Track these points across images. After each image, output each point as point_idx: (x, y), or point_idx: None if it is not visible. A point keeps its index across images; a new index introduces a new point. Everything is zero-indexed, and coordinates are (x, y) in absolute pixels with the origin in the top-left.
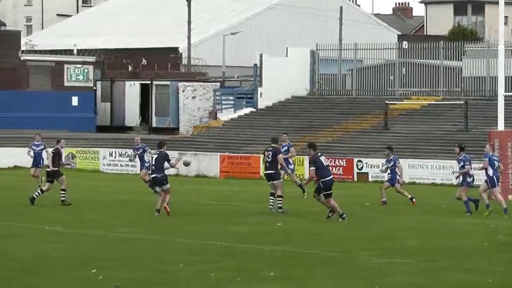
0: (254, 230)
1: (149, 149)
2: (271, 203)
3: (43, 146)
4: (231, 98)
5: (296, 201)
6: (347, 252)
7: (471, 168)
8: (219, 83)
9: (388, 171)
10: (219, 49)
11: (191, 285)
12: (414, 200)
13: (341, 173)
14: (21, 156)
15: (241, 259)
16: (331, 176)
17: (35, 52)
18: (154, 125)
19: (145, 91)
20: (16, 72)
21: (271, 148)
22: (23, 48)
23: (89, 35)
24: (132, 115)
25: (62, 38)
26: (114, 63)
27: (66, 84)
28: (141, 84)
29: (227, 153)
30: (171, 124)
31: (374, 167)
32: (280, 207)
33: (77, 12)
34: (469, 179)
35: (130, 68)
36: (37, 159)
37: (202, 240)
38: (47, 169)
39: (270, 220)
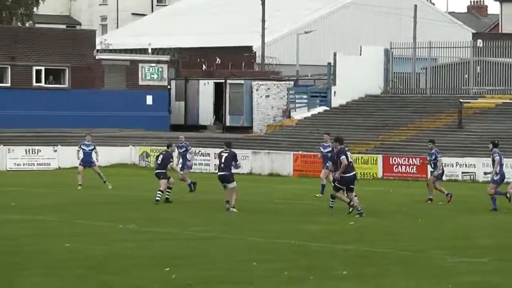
0: (326, 229)
1: (191, 148)
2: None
3: (93, 147)
4: (304, 96)
5: (368, 200)
6: (420, 251)
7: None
8: (292, 82)
9: (432, 164)
10: (293, 48)
11: (264, 284)
12: (449, 195)
13: (414, 172)
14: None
15: (313, 258)
16: (353, 173)
17: (110, 51)
18: (227, 124)
19: (219, 90)
20: (91, 71)
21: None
22: (98, 47)
23: (163, 34)
24: (206, 114)
25: (136, 37)
26: (188, 62)
27: (140, 83)
28: (215, 83)
29: (300, 152)
30: (244, 123)
31: (448, 166)
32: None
33: (152, 11)
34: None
35: (204, 67)
36: (86, 159)
37: (275, 239)
38: (157, 171)
39: (343, 219)
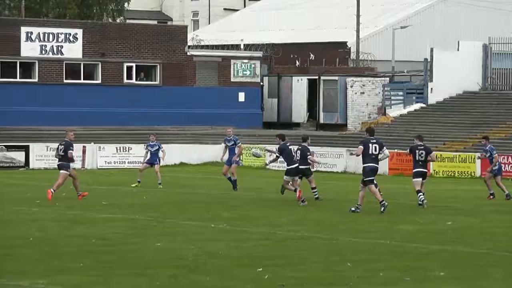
0: (423, 229)
1: (240, 143)
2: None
3: (157, 147)
4: (400, 93)
5: (466, 199)
6: None
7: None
8: (388, 78)
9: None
10: (388, 43)
11: (359, 285)
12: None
13: None
14: (187, 153)
15: (410, 259)
16: (371, 164)
17: (202, 47)
18: (321, 121)
19: (312, 87)
20: (182, 68)
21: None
22: (189, 43)
23: (256, 29)
24: (299, 111)
25: (228, 33)
26: (281, 58)
27: (232, 79)
28: (308, 79)
29: (396, 150)
30: (339, 120)
31: None
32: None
33: (244, 6)
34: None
35: (297, 63)
36: (152, 158)
37: (370, 239)
38: (300, 167)
39: (440, 218)
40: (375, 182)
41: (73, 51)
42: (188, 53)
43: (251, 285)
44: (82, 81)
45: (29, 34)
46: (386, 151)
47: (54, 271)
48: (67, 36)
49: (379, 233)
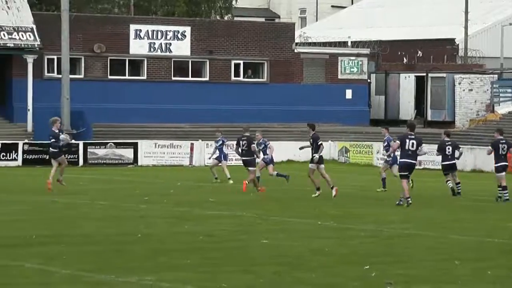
0: None
1: (269, 143)
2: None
3: (221, 142)
4: (509, 90)
5: None
6: None
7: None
8: (496, 75)
9: None
10: (496, 40)
11: (467, 283)
12: None
13: None
14: (294, 150)
15: None
16: (409, 160)
17: (309, 44)
18: (429, 118)
19: (420, 84)
20: (290, 65)
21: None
22: (297, 40)
23: (363, 26)
24: (406, 109)
25: (336, 30)
26: (388, 55)
27: (340, 76)
28: (416, 76)
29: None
30: (446, 118)
31: None
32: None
33: (352, 3)
34: None
35: (405, 60)
36: (218, 155)
37: (478, 237)
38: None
39: None
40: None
41: (181, 48)
42: (295, 51)
43: (358, 282)
44: (190, 78)
45: (138, 32)
46: (424, 149)
47: (162, 268)
48: (176, 33)
49: (487, 231)
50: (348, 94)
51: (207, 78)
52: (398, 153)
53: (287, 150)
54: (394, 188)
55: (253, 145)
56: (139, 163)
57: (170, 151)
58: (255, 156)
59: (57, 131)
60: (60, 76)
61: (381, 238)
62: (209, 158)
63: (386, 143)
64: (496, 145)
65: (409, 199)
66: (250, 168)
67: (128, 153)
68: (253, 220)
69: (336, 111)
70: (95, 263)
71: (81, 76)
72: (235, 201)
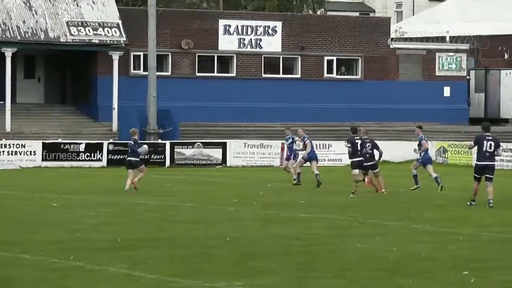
0: None
1: (306, 140)
2: None
3: (291, 140)
4: None
5: None
6: None
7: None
8: None
9: None
10: None
11: None
12: None
13: None
14: (389, 150)
15: None
16: (485, 162)
17: (405, 40)
18: None
19: None
20: (385, 62)
21: None
22: (392, 35)
23: (462, 21)
24: (507, 107)
25: (433, 25)
26: (488, 50)
27: (437, 73)
28: None
29: None
30: None
31: None
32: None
33: None
34: None
35: (506, 55)
36: (289, 154)
37: None
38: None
39: None
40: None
41: (272, 44)
42: (391, 46)
43: None
44: (280, 75)
45: (227, 27)
46: (500, 150)
47: (251, 273)
48: (266, 29)
49: None
50: (446, 91)
51: (298, 75)
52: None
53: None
54: (479, 189)
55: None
56: (228, 164)
57: (260, 151)
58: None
59: (132, 142)
60: (146, 73)
61: (480, 242)
62: (287, 159)
63: (418, 142)
64: None
65: (473, 202)
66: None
67: (216, 153)
68: (348, 224)
69: (433, 110)
70: (182, 268)
71: (168, 73)
72: (328, 203)
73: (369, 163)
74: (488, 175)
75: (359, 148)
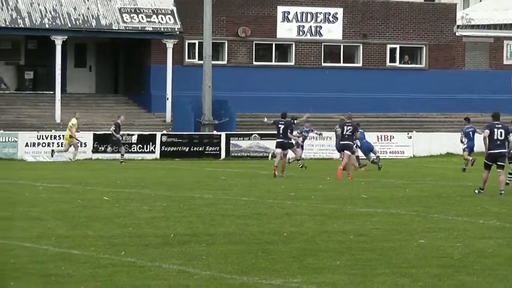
0: None
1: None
2: None
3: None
4: None
5: None
6: None
7: None
8: None
9: None
10: None
11: None
12: None
13: None
14: (455, 142)
15: None
16: (496, 150)
17: (472, 27)
18: None
19: None
20: (450, 50)
21: None
22: (458, 22)
23: None
24: None
25: (502, 12)
26: None
27: (505, 62)
28: None
29: None
30: None
31: None
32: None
33: None
34: None
35: None
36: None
37: None
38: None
39: None
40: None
41: (333, 32)
42: (457, 34)
43: None
44: (341, 64)
45: (286, 14)
46: (511, 137)
47: (309, 269)
48: (326, 16)
49: None
50: None
51: (360, 64)
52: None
53: (447, 142)
54: None
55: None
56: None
57: (319, 142)
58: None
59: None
60: (201, 62)
61: None
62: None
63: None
64: None
65: (482, 190)
66: (345, 151)
67: (273, 145)
68: (410, 218)
69: (501, 100)
70: (238, 264)
71: (224, 62)
72: (390, 197)
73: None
74: (500, 162)
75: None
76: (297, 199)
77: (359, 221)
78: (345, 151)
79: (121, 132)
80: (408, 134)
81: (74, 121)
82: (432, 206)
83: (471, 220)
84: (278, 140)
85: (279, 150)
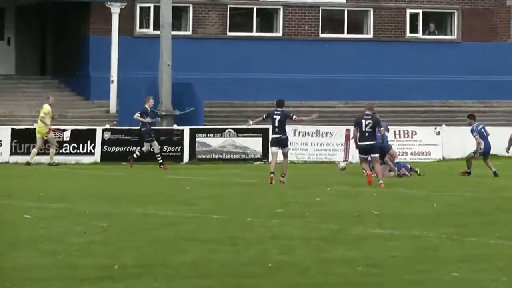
0: None
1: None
2: None
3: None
4: None
5: None
6: None
7: None
8: None
9: None
10: None
11: None
12: None
13: None
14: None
15: None
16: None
17: None
18: None
19: None
20: (491, 16)
21: None
22: None
23: None
24: None
25: None
26: None
27: None
28: None
29: None
30: None
31: None
32: None
33: None
34: None
35: None
36: None
37: None
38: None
39: None
40: None
41: None
42: None
43: None
44: (345, 35)
45: None
46: None
47: None
48: None
49: None
50: None
51: (370, 35)
52: None
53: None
54: None
55: None
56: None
57: (315, 140)
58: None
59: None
60: (158, 32)
61: None
62: None
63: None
64: None
65: None
66: (372, 155)
67: (255, 144)
68: (439, 243)
69: None
70: None
71: (189, 32)
72: (411, 214)
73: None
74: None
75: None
76: (287, 217)
77: (369, 246)
78: (371, 155)
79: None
80: (435, 129)
81: (47, 108)
82: (469, 226)
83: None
84: (273, 135)
85: (275, 149)
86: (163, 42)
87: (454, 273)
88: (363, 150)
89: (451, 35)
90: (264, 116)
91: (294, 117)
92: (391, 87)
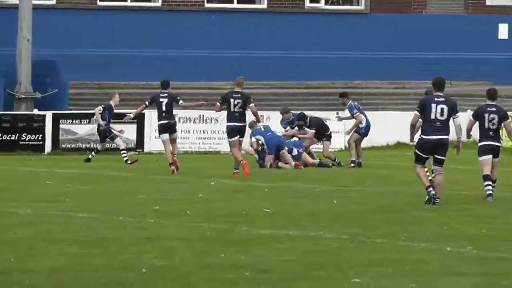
0: None
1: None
2: None
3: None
4: None
5: None
6: None
7: None
8: None
9: None
10: None
11: None
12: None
13: None
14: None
15: None
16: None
17: None
18: None
19: None
20: None
21: None
22: None
23: None
24: None
25: None
26: None
27: (488, 2)
28: None
29: None
30: None
31: None
32: None
33: None
34: None
35: None
36: None
37: None
38: None
39: None
40: None
41: None
42: None
43: None
44: (234, 5)
45: None
46: None
47: None
48: None
49: None
50: (503, 31)
51: (264, 5)
52: None
53: (400, 125)
54: None
55: None
56: (146, 149)
57: (197, 127)
58: None
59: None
60: (16, 1)
61: None
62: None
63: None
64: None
65: None
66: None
67: (129, 131)
68: (340, 245)
69: (482, 61)
70: None
71: (52, 1)
72: (307, 212)
73: None
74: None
75: None
76: (164, 216)
77: (259, 249)
78: (239, 138)
79: None
80: (337, 114)
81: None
82: (374, 226)
83: (433, 247)
84: (161, 121)
85: (166, 136)
86: (22, 14)
87: (355, 279)
88: (233, 132)
89: (358, 5)
90: (147, 103)
91: (180, 101)
92: (287, 66)
